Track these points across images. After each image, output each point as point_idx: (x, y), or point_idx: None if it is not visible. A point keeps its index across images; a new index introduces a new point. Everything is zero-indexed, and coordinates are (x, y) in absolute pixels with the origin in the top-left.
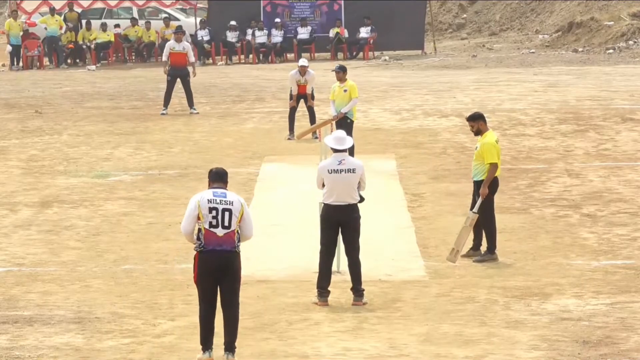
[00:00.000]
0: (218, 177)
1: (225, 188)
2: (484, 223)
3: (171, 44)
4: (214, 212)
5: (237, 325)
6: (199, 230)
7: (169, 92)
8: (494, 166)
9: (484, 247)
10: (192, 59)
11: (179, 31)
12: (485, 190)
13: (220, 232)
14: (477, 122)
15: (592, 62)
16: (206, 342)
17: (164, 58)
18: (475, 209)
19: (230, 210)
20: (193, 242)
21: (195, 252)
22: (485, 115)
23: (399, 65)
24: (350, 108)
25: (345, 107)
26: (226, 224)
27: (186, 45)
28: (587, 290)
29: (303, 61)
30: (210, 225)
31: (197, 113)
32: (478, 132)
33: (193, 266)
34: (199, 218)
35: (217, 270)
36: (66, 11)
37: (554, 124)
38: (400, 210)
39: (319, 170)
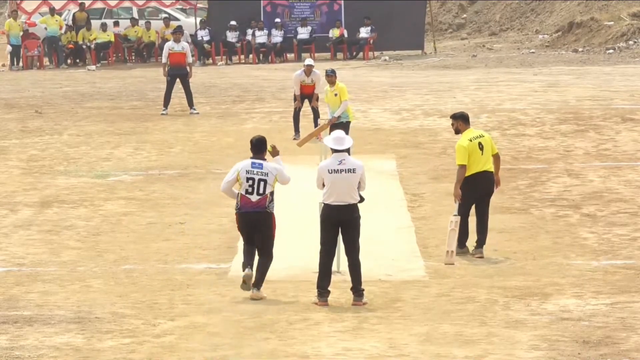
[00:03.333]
0: (256, 149)
1: (263, 158)
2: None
3: (170, 44)
4: (250, 182)
5: (267, 269)
6: (238, 194)
7: (168, 92)
8: (461, 168)
9: (489, 245)
10: (189, 59)
11: (178, 31)
12: (457, 192)
13: (254, 198)
14: (457, 121)
15: (592, 62)
16: (247, 264)
17: (164, 60)
18: (456, 212)
19: (265, 181)
20: (233, 198)
21: (235, 212)
22: (485, 115)
23: (399, 65)
24: (341, 111)
25: (337, 111)
26: (260, 191)
27: (185, 45)
28: (587, 290)
29: (309, 61)
30: (247, 192)
31: (197, 113)
32: (457, 131)
33: (236, 221)
34: (237, 181)
35: (252, 227)
36: (76, 10)
37: (554, 124)
38: (400, 210)
39: (319, 171)
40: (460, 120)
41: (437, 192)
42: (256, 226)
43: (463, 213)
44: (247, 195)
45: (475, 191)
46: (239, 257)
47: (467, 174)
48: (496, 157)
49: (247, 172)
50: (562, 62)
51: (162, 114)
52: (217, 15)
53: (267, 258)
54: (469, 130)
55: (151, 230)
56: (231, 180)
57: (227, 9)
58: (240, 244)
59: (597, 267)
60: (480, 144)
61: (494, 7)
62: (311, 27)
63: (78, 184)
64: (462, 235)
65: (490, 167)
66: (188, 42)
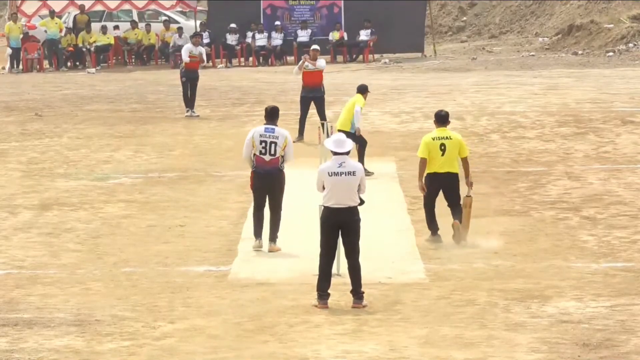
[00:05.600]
0: (270, 117)
1: (276, 124)
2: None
3: (190, 47)
4: (263, 144)
5: (278, 223)
6: (253, 155)
7: (186, 93)
8: (420, 160)
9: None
10: (204, 62)
11: (198, 35)
12: (420, 185)
13: (267, 158)
14: (434, 118)
15: (592, 64)
16: (257, 233)
17: (185, 59)
18: (468, 192)
19: (275, 143)
20: (250, 164)
21: (251, 171)
22: (485, 117)
23: (398, 68)
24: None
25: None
26: (272, 152)
27: (202, 50)
28: (587, 292)
29: (315, 46)
30: (260, 152)
31: (197, 116)
32: None
33: (250, 179)
34: (253, 146)
35: (266, 185)
36: (76, 13)
37: (553, 126)
38: (400, 212)
39: (319, 173)
40: (434, 119)
41: None
42: (270, 184)
43: (426, 204)
44: (261, 156)
45: (431, 189)
46: (239, 260)
47: (427, 171)
48: (464, 161)
49: (261, 135)
50: (562, 65)
51: (187, 116)
52: (217, 18)
53: (277, 213)
54: (440, 129)
55: (151, 233)
56: (248, 144)
57: (227, 12)
58: (241, 246)
59: (597, 270)
60: (442, 145)
61: (494, 10)
62: (311, 29)
63: (78, 187)
64: (431, 224)
65: (453, 169)
66: (202, 46)
